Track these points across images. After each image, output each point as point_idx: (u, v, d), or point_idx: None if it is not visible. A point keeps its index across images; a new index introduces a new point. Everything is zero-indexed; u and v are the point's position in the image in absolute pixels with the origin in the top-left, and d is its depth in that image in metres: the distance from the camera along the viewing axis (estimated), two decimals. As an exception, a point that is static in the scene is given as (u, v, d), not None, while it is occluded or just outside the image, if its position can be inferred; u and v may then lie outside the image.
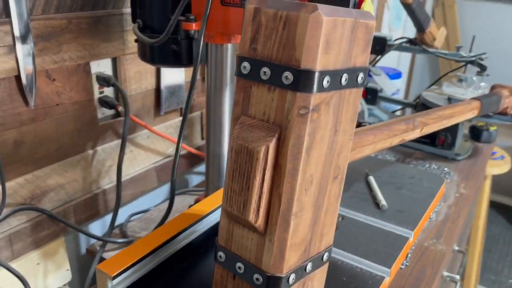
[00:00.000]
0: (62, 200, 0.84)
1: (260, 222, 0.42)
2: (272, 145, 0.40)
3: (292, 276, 0.45)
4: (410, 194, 0.78)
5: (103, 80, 0.86)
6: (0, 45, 0.67)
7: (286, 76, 0.39)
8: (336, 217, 0.49)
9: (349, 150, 0.48)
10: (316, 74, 0.38)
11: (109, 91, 0.89)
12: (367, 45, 0.44)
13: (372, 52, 1.38)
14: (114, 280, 0.48)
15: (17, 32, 0.68)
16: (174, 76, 1.01)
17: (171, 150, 1.07)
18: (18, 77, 0.71)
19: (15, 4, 0.67)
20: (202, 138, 1.17)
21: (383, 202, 0.74)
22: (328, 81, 0.39)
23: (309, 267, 0.47)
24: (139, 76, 0.94)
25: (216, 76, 0.75)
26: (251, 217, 0.42)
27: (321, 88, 0.39)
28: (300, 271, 0.46)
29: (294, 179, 0.41)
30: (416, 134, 0.72)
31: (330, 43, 0.38)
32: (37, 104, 0.75)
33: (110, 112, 0.91)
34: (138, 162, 0.99)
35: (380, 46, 1.32)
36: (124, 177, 0.95)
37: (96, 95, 0.87)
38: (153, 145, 1.02)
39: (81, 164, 0.86)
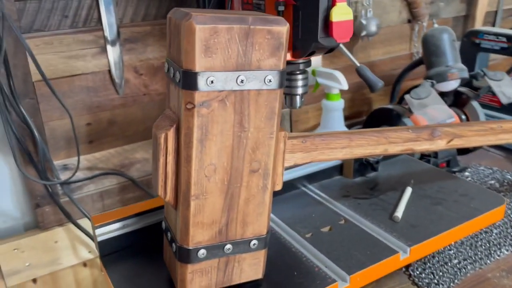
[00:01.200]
0: (146, 171, 1.03)
1: (169, 198, 0.50)
2: (170, 133, 0.47)
3: (203, 251, 0.51)
4: (444, 211, 0.70)
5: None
6: (95, 46, 0.89)
7: (177, 76, 0.45)
8: (265, 210, 0.53)
9: (272, 147, 0.50)
10: (197, 74, 0.44)
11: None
12: (277, 50, 0.46)
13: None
14: (97, 230, 0.62)
15: (108, 37, 0.89)
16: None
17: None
18: (109, 71, 0.92)
19: (106, 16, 0.87)
20: (291, 134, 1.23)
21: (397, 213, 0.69)
22: (212, 81, 0.44)
23: (228, 247, 0.52)
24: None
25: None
26: (160, 193, 0.50)
27: (206, 87, 0.44)
28: (216, 250, 0.52)
29: (189, 165, 0.47)
30: (440, 145, 0.66)
31: (211, 47, 0.43)
32: (126, 93, 0.95)
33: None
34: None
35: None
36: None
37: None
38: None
39: (164, 144, 1.04)
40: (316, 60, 1.16)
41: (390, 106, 1.07)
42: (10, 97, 0.80)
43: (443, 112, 1.00)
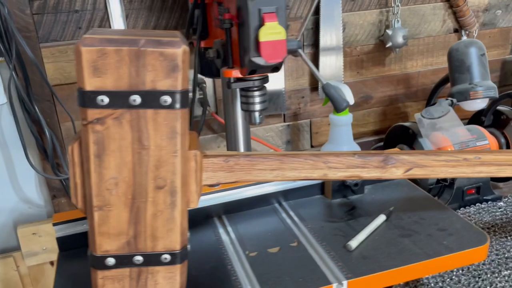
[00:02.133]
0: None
1: (80, 206, 0.53)
2: (75, 146, 0.50)
3: (111, 260, 0.53)
4: (408, 245, 0.64)
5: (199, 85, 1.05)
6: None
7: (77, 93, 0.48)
8: (175, 226, 0.54)
9: (178, 165, 0.51)
10: (88, 93, 0.46)
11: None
12: (172, 71, 0.47)
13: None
14: (55, 226, 0.68)
15: (118, 46, 0.95)
16: (273, 84, 1.10)
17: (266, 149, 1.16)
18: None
19: (116, 27, 0.94)
20: (312, 146, 1.20)
21: (352, 242, 0.64)
22: (103, 100, 0.46)
23: (138, 259, 0.54)
24: (234, 82, 1.08)
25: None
26: (73, 201, 0.53)
27: (97, 105, 0.47)
28: (125, 260, 0.54)
29: (89, 178, 0.50)
30: (395, 174, 0.61)
31: (100, 68, 0.46)
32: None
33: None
34: (232, 156, 1.14)
35: None
36: (216, 166, 1.12)
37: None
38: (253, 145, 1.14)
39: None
40: (336, 70, 1.12)
41: (406, 124, 0.99)
42: (26, 100, 0.90)
43: (455, 136, 0.91)
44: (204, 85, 1.04)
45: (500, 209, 1.00)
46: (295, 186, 0.79)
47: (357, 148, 1.01)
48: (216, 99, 1.07)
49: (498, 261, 0.83)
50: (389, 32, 1.08)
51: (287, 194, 0.80)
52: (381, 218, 0.72)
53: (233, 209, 0.77)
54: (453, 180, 0.99)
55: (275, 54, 0.54)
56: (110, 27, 0.94)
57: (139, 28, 0.97)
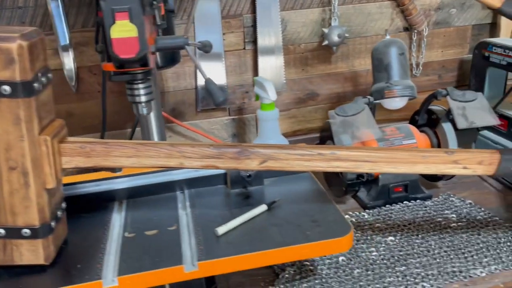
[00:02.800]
0: (103, 161, 1.16)
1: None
2: None
3: (-24, 230, 0.60)
4: (273, 234, 0.66)
5: (142, 77, 1.11)
6: (49, 48, 1.03)
7: None
8: (32, 204, 0.60)
9: (26, 149, 0.57)
10: None
11: (152, 86, 1.13)
12: (10, 64, 0.53)
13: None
14: None
15: (60, 41, 1.02)
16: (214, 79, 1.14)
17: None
18: (64, 70, 1.06)
19: (57, 23, 1.01)
20: (258, 139, 1.24)
21: (220, 228, 0.68)
22: None
23: (1, 231, 0.60)
24: (176, 77, 1.13)
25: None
26: None
27: None
28: (-10, 231, 0.60)
29: None
30: (251, 165, 0.65)
31: None
32: (82, 90, 1.08)
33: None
34: (177, 147, 1.20)
35: None
36: (161, 156, 1.18)
37: (140, 88, 1.13)
38: (196, 137, 1.19)
39: (121, 137, 1.15)
40: (277, 68, 1.15)
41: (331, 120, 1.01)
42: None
43: (380, 134, 0.92)
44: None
45: (426, 208, 1.00)
46: (199, 175, 0.84)
47: (285, 141, 1.03)
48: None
49: (398, 257, 0.85)
50: (326, 30, 1.09)
51: (191, 183, 0.85)
52: (262, 207, 0.75)
53: (136, 195, 0.82)
54: (376, 177, 1.00)
55: (127, 50, 0.59)
56: (51, 23, 1.01)
57: (81, 23, 1.03)
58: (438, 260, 0.83)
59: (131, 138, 1.08)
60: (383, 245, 0.89)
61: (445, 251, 0.86)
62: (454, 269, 0.80)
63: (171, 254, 0.65)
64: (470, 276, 0.79)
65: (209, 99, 1.16)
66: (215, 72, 1.13)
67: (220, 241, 0.68)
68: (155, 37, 0.71)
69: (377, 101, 0.94)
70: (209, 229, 0.71)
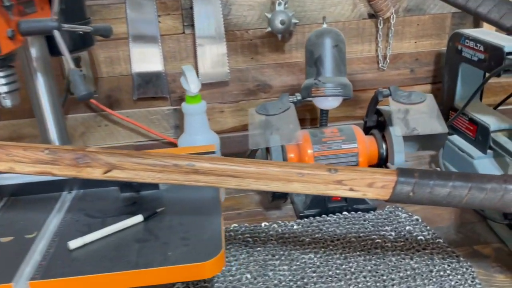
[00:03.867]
0: (35, 147, 1.10)
1: None
2: None
3: None
4: (133, 252, 0.58)
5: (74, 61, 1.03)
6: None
7: None
8: None
9: None
10: None
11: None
12: None
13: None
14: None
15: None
16: (150, 65, 1.05)
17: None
18: None
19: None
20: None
21: (71, 243, 0.59)
22: None
23: None
24: (109, 61, 1.05)
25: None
26: None
27: None
28: None
29: None
30: (93, 174, 0.56)
31: None
32: (8, 72, 1.02)
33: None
34: (115, 137, 1.12)
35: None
36: (95, 145, 1.11)
37: (73, 72, 1.05)
38: (135, 126, 1.11)
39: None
40: (219, 55, 1.05)
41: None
42: None
43: (318, 136, 0.81)
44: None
45: (364, 222, 0.89)
46: (90, 175, 0.76)
47: (214, 137, 0.93)
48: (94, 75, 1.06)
49: (308, 279, 0.74)
50: (268, 15, 0.97)
51: (83, 183, 0.77)
52: (137, 218, 0.66)
53: (20, 192, 0.76)
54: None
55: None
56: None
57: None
58: (352, 287, 0.73)
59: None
60: (298, 263, 0.78)
61: (364, 277, 0.75)
62: (364, 300, 0.70)
63: (6, 269, 0.58)
64: (378, 311, 0.68)
65: (146, 87, 1.07)
66: (150, 57, 1.03)
67: (69, 257, 0.60)
68: (17, 20, 0.62)
69: (308, 100, 0.82)
70: (68, 241, 0.63)
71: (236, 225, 0.90)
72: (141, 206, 0.71)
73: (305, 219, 0.90)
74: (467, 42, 0.97)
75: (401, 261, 0.78)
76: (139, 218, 0.66)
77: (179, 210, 0.69)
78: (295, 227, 0.89)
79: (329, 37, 0.80)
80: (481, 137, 0.96)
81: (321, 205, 0.90)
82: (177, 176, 0.54)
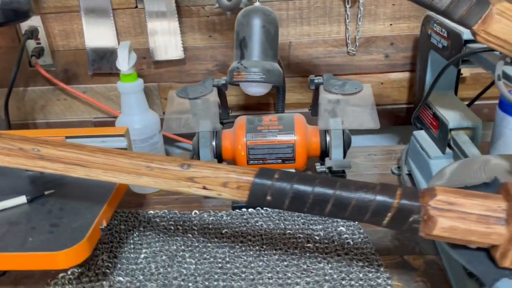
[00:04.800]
0: (-2, 118, 1.12)
1: None
2: None
3: None
4: None
5: (30, 33, 1.02)
6: None
7: None
8: None
9: None
10: None
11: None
12: None
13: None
14: None
15: None
16: (104, 41, 1.02)
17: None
18: None
19: None
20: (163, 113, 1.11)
21: None
22: None
23: None
24: (64, 34, 1.03)
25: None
26: None
27: None
28: None
29: None
30: None
31: None
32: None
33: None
34: (74, 111, 1.12)
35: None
36: (57, 119, 1.12)
37: (32, 45, 1.05)
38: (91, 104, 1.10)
39: (14, 96, 1.09)
40: (171, 34, 1.00)
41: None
42: None
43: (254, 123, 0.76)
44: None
45: (298, 218, 0.82)
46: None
47: (153, 117, 0.89)
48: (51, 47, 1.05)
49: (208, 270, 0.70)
50: (214, -11, 0.91)
51: None
52: (20, 199, 0.65)
53: None
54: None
55: None
56: None
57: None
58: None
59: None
60: (208, 256, 0.74)
61: (269, 278, 0.69)
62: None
63: None
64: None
65: (100, 63, 1.05)
66: (103, 32, 1.01)
67: None
68: None
69: (235, 84, 0.76)
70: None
71: (166, 211, 0.87)
72: (38, 187, 0.70)
73: (237, 211, 0.86)
74: (435, 27, 0.86)
75: (315, 265, 0.71)
76: (22, 199, 0.65)
77: (67, 194, 0.67)
78: (224, 218, 0.84)
79: (256, 17, 0.73)
80: (441, 134, 0.85)
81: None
82: (23, 161, 0.52)
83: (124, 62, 0.83)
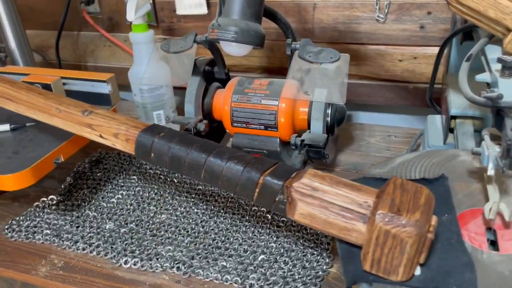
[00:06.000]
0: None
1: None
2: None
3: None
4: None
5: (81, -18, 1.12)
6: None
7: None
8: None
9: None
10: None
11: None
12: None
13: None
14: None
15: None
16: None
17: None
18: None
19: None
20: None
21: None
22: None
23: None
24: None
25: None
26: None
27: None
28: None
29: None
30: None
31: None
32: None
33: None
34: (117, 58, 1.20)
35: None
36: (104, 63, 1.22)
37: (85, -7, 1.14)
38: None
39: (69, 38, 1.21)
40: None
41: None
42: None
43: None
44: None
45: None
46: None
47: (162, 68, 0.92)
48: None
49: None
50: None
51: None
52: (4, 127, 0.73)
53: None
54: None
55: None
56: None
57: None
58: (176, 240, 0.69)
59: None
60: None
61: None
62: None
63: None
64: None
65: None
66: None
67: None
68: None
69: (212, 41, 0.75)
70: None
71: (159, 159, 0.91)
72: (22, 118, 0.78)
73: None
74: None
75: (262, 236, 0.69)
76: (5, 127, 0.74)
77: (44, 128, 0.74)
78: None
79: (236, -28, 0.70)
80: (445, 122, 0.74)
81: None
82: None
83: (131, 12, 0.87)
